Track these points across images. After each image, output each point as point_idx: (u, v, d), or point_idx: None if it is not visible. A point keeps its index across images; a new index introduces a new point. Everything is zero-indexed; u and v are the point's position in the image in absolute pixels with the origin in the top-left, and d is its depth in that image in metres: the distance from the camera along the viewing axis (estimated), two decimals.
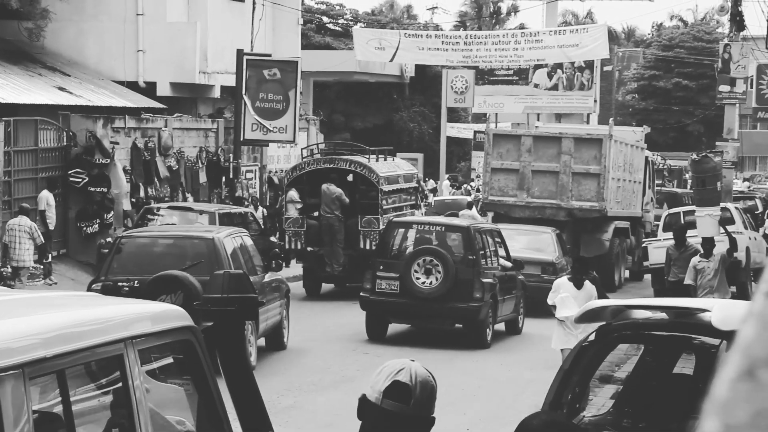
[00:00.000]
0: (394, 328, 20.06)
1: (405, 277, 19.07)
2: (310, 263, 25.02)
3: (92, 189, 25.03)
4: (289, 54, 33.18)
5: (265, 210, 30.76)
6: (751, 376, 1.39)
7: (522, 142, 26.72)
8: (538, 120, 47.29)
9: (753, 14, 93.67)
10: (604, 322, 8.29)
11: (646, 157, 31.12)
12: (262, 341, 17.61)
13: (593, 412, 9.74)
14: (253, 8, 32.87)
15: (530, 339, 20.40)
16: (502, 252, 20.88)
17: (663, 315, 8.26)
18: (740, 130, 40.82)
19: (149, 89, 30.15)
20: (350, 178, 25.74)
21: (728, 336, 7.29)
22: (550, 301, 14.97)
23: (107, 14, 30.43)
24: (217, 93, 32.13)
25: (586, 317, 8.63)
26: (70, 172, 25.06)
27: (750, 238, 26.67)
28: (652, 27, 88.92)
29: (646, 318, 8.33)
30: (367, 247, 24.34)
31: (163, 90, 30.40)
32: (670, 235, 22.66)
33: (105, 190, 25.13)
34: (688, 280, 18.05)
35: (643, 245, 28.26)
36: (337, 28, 60.02)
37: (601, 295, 14.83)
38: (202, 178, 29.57)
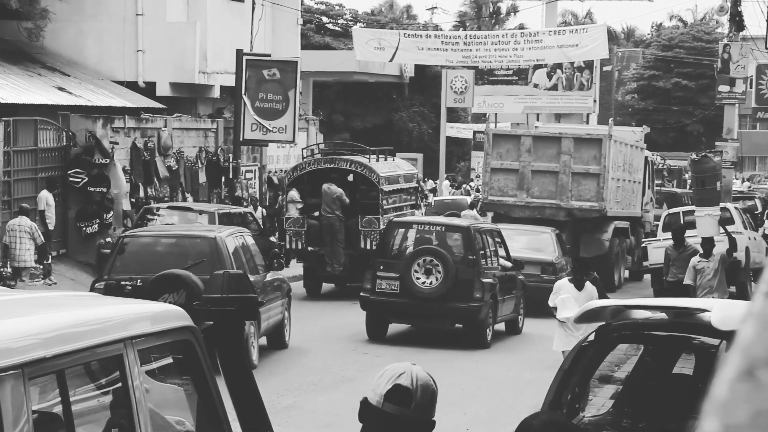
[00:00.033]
0: (394, 328, 20.06)
1: (405, 277, 19.07)
2: (311, 263, 25.05)
3: (92, 189, 25.02)
4: (288, 54, 33.18)
5: (264, 210, 30.77)
6: (751, 376, 1.39)
7: (522, 142, 26.73)
8: (538, 120, 47.28)
9: (752, 14, 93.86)
10: (603, 322, 8.29)
11: (646, 157, 31.12)
12: (263, 340, 17.67)
13: (593, 412, 9.74)
14: (253, 8, 32.86)
15: (530, 339, 20.40)
16: (502, 252, 20.89)
17: (663, 315, 8.26)
18: (740, 130, 40.84)
19: (149, 89, 30.15)
20: (351, 178, 25.78)
21: (728, 336, 7.29)
22: (551, 303, 14.94)
23: (107, 14, 30.43)
24: (216, 93, 32.13)
25: (585, 317, 8.63)
26: (69, 172, 25.05)
27: (749, 239, 26.68)
28: (652, 27, 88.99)
29: (646, 318, 8.32)
30: (368, 247, 24.36)
31: (163, 90, 30.40)
32: (669, 235, 22.67)
33: (104, 190, 25.13)
34: (687, 280, 18.04)
35: (643, 245, 28.27)
36: (336, 28, 60.03)
37: (602, 296, 14.82)
38: (202, 178, 29.56)
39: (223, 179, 30.28)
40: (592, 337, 8.22)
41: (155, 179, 27.26)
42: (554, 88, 51.84)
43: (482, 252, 19.69)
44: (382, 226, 23.75)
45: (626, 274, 29.51)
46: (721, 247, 18.60)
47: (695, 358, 8.91)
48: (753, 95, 59.83)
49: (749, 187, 51.42)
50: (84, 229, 25.09)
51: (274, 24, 35.09)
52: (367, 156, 26.20)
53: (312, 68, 41.36)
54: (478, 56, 38.26)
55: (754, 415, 1.38)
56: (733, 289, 23.29)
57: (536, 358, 17.89)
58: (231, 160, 30.51)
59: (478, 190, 39.01)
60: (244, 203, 29.23)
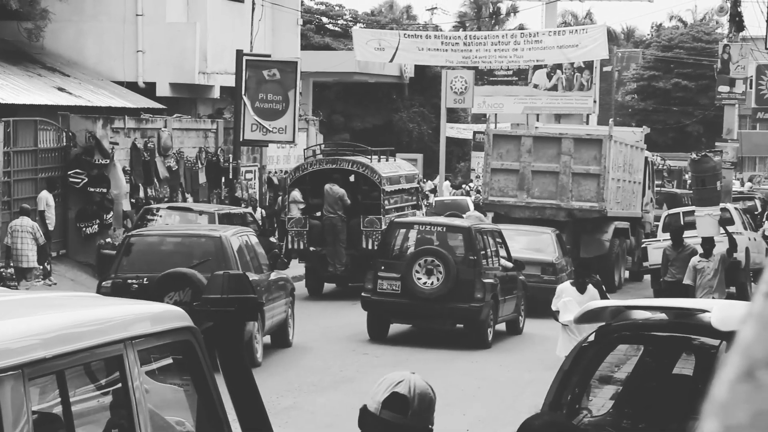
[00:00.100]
0: (395, 328, 20.07)
1: (406, 277, 19.08)
2: (313, 263, 25.10)
3: (92, 189, 25.02)
4: (288, 54, 33.18)
5: (263, 211, 30.78)
6: (751, 377, 1.39)
7: (522, 143, 26.73)
8: (538, 120, 47.30)
9: (752, 15, 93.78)
10: (603, 323, 8.28)
11: (646, 158, 31.12)
12: (267, 338, 17.79)
13: (593, 413, 9.73)
14: (253, 9, 32.86)
15: (531, 339, 20.40)
16: (503, 252, 20.90)
17: (663, 315, 8.26)
18: (739, 131, 40.84)
19: (149, 90, 30.15)
20: (352, 178, 25.81)
21: (728, 337, 7.28)
22: (553, 307, 14.86)
23: (107, 15, 30.43)
24: (216, 93, 32.13)
25: (585, 318, 8.63)
26: (69, 173, 25.05)
27: (749, 239, 26.69)
28: (652, 27, 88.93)
29: (646, 318, 8.32)
30: (369, 247, 24.38)
31: (163, 90, 30.40)
32: (669, 235, 22.66)
33: (104, 190, 25.13)
34: (687, 280, 18.04)
35: (643, 246, 28.28)
36: (336, 28, 60.01)
37: (604, 298, 14.77)
38: (202, 178, 29.56)
39: (223, 180, 30.28)
40: (592, 338, 8.22)
41: (155, 180, 27.26)
42: (554, 88, 51.82)
43: (483, 252, 19.70)
44: (383, 227, 23.77)
45: (626, 274, 29.50)
46: (721, 247, 18.60)
47: (695, 358, 8.90)
48: (753, 96, 59.79)
49: (750, 187, 51.38)
50: (84, 229, 25.09)
51: (274, 24, 35.10)
52: (369, 156, 26.23)
53: (312, 68, 41.36)
54: (478, 57, 38.26)
55: (754, 415, 1.38)
56: (732, 289, 23.31)
57: (536, 358, 17.89)
58: (231, 161, 30.52)
59: (478, 191, 38.99)
60: (243, 204, 29.23)
